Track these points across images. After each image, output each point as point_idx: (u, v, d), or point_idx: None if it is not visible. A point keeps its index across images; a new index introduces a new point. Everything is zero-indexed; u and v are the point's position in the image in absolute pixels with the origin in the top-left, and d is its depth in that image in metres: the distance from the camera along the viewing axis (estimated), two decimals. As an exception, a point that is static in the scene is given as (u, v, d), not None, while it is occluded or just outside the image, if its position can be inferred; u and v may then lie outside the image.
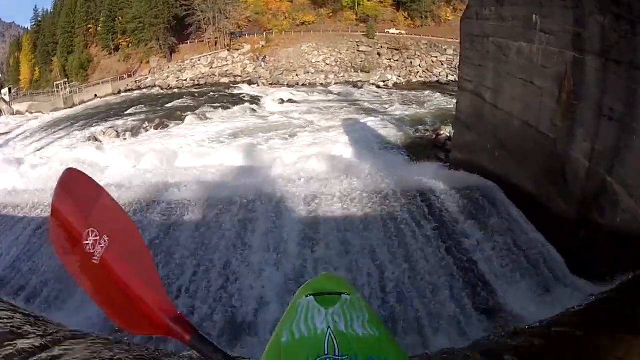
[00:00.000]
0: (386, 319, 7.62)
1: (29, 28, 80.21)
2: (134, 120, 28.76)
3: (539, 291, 8.09)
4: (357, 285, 8.10)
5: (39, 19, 75.98)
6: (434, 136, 19.38)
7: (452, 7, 57.63)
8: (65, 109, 46.34)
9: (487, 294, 8.12)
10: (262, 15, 55.71)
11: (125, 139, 24.44)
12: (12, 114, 52.64)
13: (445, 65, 46.02)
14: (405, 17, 54.89)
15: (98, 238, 1.32)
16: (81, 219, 1.33)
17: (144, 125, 26.32)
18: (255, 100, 32.03)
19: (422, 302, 7.93)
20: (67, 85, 54.53)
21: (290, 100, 30.48)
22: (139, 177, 14.77)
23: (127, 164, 17.32)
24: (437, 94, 32.04)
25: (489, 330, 7.32)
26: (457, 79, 41.02)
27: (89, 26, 66.21)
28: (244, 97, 33.75)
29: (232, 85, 42.39)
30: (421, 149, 17.99)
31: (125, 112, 32.68)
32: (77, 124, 31.61)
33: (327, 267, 8.32)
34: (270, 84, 41.37)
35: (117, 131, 25.95)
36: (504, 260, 8.62)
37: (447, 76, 43.69)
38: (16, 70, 77.10)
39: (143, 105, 35.21)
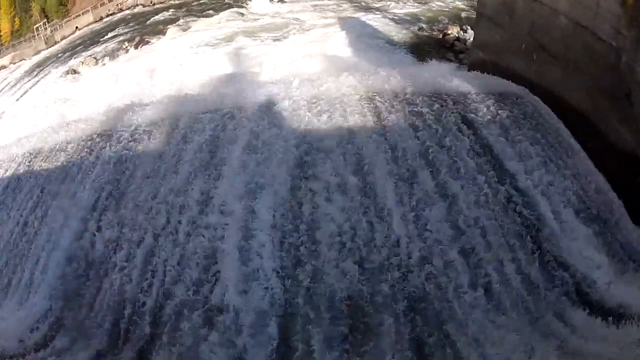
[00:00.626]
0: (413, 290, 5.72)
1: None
2: (114, 44, 26.53)
3: (602, 246, 6.26)
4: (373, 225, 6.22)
5: None
6: (441, 36, 17.69)
7: None
8: (48, 48, 44.25)
9: (550, 247, 6.18)
10: None
11: (104, 64, 22.36)
12: None
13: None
14: None
15: None
16: None
17: (124, 46, 24.17)
18: (243, 4, 29.10)
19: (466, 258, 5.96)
20: (47, 25, 51.53)
21: (280, 1, 27.35)
22: (112, 104, 12.89)
23: (103, 92, 15.54)
24: None
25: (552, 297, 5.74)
26: None
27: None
28: (230, 2, 30.70)
29: (219, -8, 38.83)
30: (428, 48, 16.49)
31: (105, 37, 30.38)
32: (58, 60, 30.03)
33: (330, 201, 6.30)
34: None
35: (95, 58, 23.94)
36: (562, 200, 6.57)
37: None
38: None
39: (124, 26, 32.92)
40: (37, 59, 40.73)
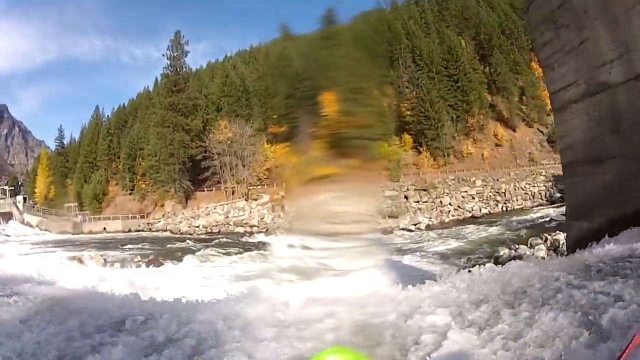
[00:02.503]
0: None
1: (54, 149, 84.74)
2: (129, 254, 26.41)
3: None
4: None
5: (63, 140, 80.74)
6: (492, 261, 16.32)
7: (472, 139, 60.03)
8: (72, 234, 48.31)
9: None
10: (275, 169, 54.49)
11: (112, 268, 21.15)
12: (23, 223, 56.28)
13: (477, 199, 46.24)
14: (427, 158, 55.35)
15: None
16: None
17: (136, 260, 23.24)
18: (267, 247, 28.89)
19: None
20: (78, 211, 57.54)
21: (304, 247, 26.76)
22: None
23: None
24: (478, 226, 30.94)
25: None
26: (490, 212, 38.17)
27: (113, 163, 67.49)
28: (256, 245, 30.65)
29: (247, 234, 39.49)
30: None
31: (125, 247, 31.09)
32: (75, 248, 31.23)
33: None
34: (288, 235, 38.31)
35: (105, 259, 23.36)
36: None
37: (480, 209, 43.78)
38: (33, 182, 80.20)
39: (147, 243, 33.64)
40: (60, 237, 44.15)
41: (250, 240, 33.84)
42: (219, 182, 54.37)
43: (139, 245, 31.53)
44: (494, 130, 62.70)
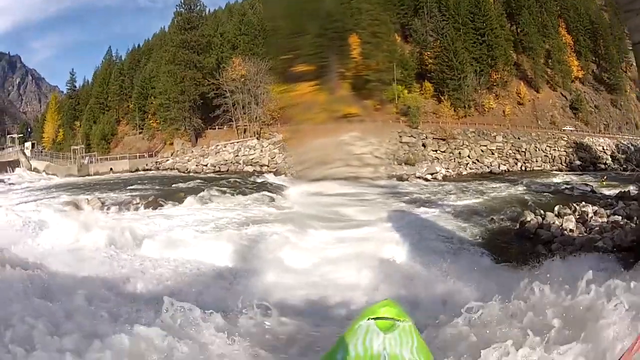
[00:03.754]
0: None
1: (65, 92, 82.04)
2: (130, 195, 25.01)
3: None
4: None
5: (75, 83, 77.48)
6: (518, 225, 15.33)
7: (494, 94, 57.58)
8: (78, 177, 46.72)
9: None
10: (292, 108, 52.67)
11: (108, 212, 19.90)
12: (30, 169, 55.27)
13: (496, 155, 44.94)
14: (447, 108, 53.02)
15: None
16: None
17: (135, 202, 21.84)
18: (277, 189, 27.35)
19: None
20: (85, 153, 55.53)
21: (320, 193, 24.76)
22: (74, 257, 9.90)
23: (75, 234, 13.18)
24: (497, 184, 29.38)
25: None
26: (508, 169, 38.24)
27: (124, 104, 65.80)
28: (265, 185, 29.44)
29: (256, 173, 38.45)
30: (506, 243, 13.56)
31: (128, 187, 30.02)
32: (78, 190, 30.52)
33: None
34: (300, 176, 36.87)
35: (102, 202, 22.21)
36: None
37: (499, 166, 42.80)
38: (42, 127, 79.04)
39: (151, 183, 32.72)
40: (66, 180, 43.07)
41: (259, 180, 32.84)
42: (230, 121, 52.58)
43: (143, 186, 30.46)
44: (517, 88, 60.33)
